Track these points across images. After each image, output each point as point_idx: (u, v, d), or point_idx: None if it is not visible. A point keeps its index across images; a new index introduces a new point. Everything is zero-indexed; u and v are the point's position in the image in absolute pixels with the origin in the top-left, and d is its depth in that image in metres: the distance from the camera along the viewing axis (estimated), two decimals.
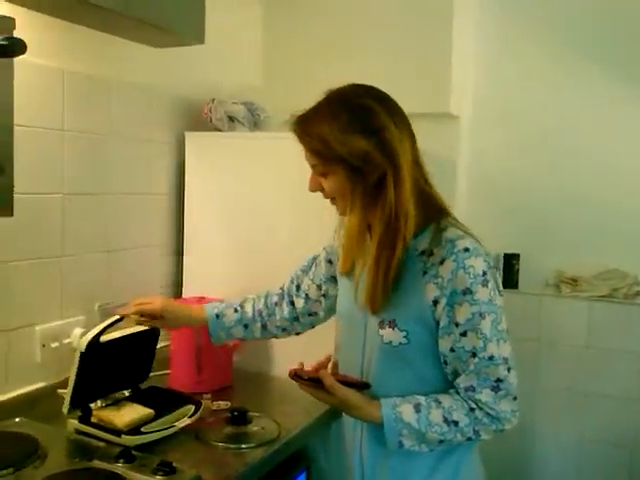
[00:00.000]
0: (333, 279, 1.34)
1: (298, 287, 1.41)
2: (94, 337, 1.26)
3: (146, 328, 1.40)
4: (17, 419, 1.32)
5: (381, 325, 1.13)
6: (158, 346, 1.48)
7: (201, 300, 1.64)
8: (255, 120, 1.89)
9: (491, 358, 1.06)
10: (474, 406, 1.07)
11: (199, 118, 1.85)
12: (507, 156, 2.26)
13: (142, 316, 1.35)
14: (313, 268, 1.39)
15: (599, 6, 2.12)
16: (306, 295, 1.39)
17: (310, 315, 1.40)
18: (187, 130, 1.86)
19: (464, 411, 1.07)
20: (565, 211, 2.20)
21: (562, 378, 2.17)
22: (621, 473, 2.11)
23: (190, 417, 1.33)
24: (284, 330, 1.43)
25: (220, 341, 1.42)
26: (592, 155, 2.15)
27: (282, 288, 1.44)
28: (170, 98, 1.84)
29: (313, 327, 1.43)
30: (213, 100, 1.84)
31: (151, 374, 1.50)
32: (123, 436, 1.22)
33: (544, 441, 2.21)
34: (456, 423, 1.07)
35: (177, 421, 1.30)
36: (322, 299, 1.37)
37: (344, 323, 1.27)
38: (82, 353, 1.24)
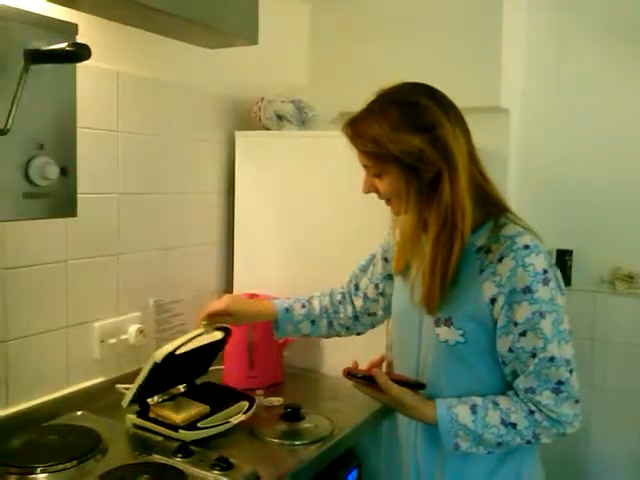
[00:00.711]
0: (390, 277, 1.33)
1: (357, 286, 1.41)
2: (172, 351, 1.26)
3: (219, 338, 1.40)
4: (79, 412, 1.37)
5: (437, 323, 1.12)
6: None
7: (253, 297, 1.66)
8: (303, 118, 1.90)
9: (552, 359, 1.03)
10: (534, 409, 1.05)
11: (248, 117, 1.87)
12: (559, 150, 2.19)
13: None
14: (371, 267, 1.38)
15: None
16: (364, 294, 1.39)
17: (369, 315, 1.40)
18: (237, 129, 1.88)
19: (523, 413, 1.05)
20: (620, 206, 2.11)
21: (617, 377, 2.10)
22: None
23: (245, 413, 1.35)
24: (347, 329, 1.43)
25: (285, 334, 1.43)
26: None
27: (343, 287, 1.44)
28: (220, 98, 1.86)
29: (373, 327, 1.43)
30: (262, 99, 1.85)
31: None
32: (180, 431, 1.24)
33: (600, 443, 2.14)
34: (514, 425, 1.05)
35: (232, 417, 1.32)
36: (380, 298, 1.36)
37: (399, 322, 1.26)
38: (156, 364, 1.25)
